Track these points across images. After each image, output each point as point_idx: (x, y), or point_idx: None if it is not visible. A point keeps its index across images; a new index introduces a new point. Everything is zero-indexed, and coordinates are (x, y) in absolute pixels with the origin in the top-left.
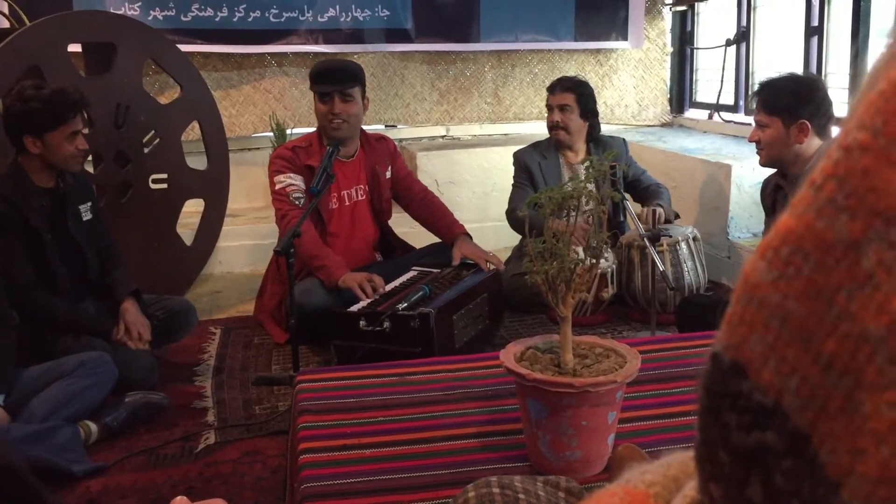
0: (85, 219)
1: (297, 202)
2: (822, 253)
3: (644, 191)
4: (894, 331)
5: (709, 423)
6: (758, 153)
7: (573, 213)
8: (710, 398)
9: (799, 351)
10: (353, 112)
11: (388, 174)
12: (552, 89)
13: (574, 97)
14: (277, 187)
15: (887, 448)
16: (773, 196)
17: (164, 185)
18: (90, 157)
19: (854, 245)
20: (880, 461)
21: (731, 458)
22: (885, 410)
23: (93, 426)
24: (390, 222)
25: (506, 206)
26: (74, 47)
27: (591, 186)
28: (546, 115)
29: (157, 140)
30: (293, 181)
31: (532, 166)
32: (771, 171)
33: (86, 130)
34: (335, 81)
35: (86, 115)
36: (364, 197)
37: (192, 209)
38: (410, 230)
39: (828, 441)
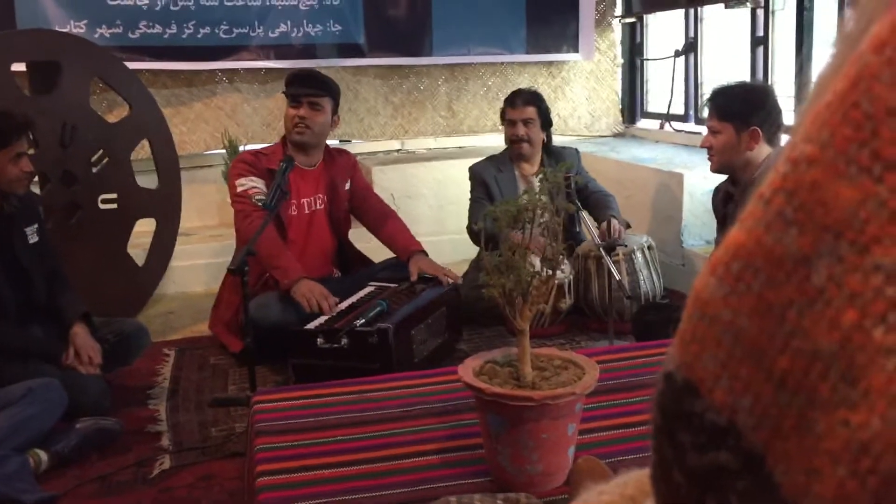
0: (31, 241)
1: (259, 203)
2: (772, 268)
3: (591, 197)
4: (846, 347)
5: (663, 443)
6: (709, 159)
7: (528, 226)
8: (663, 418)
9: (751, 369)
10: (318, 121)
11: (347, 186)
12: (512, 103)
13: (535, 110)
14: (239, 190)
15: (842, 468)
16: (724, 203)
17: (114, 206)
18: (36, 178)
19: (804, 260)
20: (836, 482)
21: (687, 479)
22: (838, 429)
23: (43, 454)
24: (350, 236)
25: (463, 219)
26: (18, 66)
27: (545, 198)
28: (503, 127)
29: (106, 159)
30: (255, 184)
31: (488, 180)
32: (722, 177)
33: (31, 151)
34: (306, 86)
35: (31, 136)
36: (322, 206)
37: (144, 229)
38: (368, 245)
39: (783, 461)
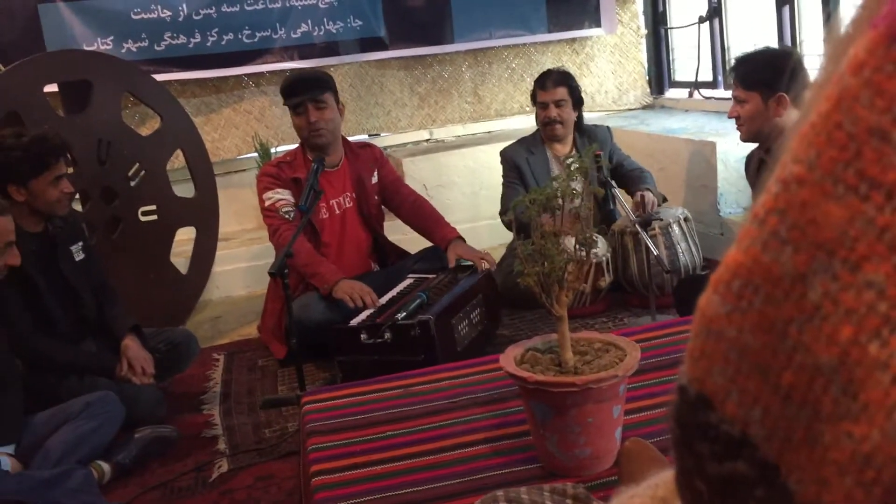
0: (77, 259)
1: (287, 216)
2: (770, 286)
3: (627, 176)
4: (845, 361)
5: (683, 453)
6: (738, 129)
7: (558, 213)
8: (681, 430)
9: (759, 383)
10: (329, 118)
11: (374, 180)
12: (543, 85)
13: (567, 90)
14: (267, 204)
15: (850, 478)
16: (758, 171)
17: (154, 217)
18: (77, 196)
19: (800, 278)
20: (844, 491)
21: (708, 487)
22: (844, 441)
23: (105, 466)
24: (384, 230)
25: (497, 204)
26: (51, 88)
27: (574, 184)
28: (533, 108)
29: (143, 172)
30: (282, 196)
31: (520, 163)
32: (754, 144)
33: (70, 170)
34: (306, 91)
35: (69, 157)
36: (352, 204)
37: (185, 237)
38: (404, 237)
39: (795, 471)
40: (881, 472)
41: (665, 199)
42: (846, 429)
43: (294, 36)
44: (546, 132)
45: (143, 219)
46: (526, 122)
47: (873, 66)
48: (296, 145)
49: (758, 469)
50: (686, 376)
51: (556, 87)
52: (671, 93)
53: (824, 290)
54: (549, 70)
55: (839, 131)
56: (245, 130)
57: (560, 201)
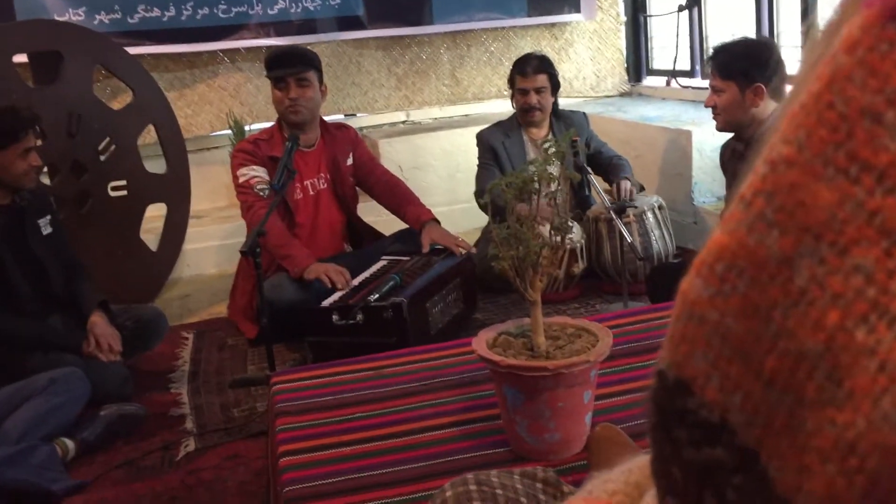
0: (45, 233)
1: (261, 193)
2: (755, 269)
3: (605, 164)
4: (831, 347)
5: (660, 439)
6: (714, 118)
7: (535, 197)
8: (659, 415)
9: (740, 368)
10: (309, 96)
11: (350, 161)
12: (523, 71)
13: (547, 77)
14: (241, 180)
15: (832, 466)
16: (732, 160)
17: (124, 192)
18: (46, 169)
19: (786, 261)
20: (826, 479)
21: (684, 474)
22: (827, 428)
23: (70, 443)
24: (359, 211)
25: (472, 187)
26: (20, 58)
27: (551, 169)
28: (511, 92)
29: (113, 147)
30: (256, 173)
31: (496, 146)
32: (729, 134)
33: (39, 143)
34: (290, 66)
35: (38, 129)
36: (326, 185)
37: (155, 214)
38: (379, 218)
39: (775, 458)
40: (865, 461)
41: (642, 188)
42: (830, 416)
43: (271, 12)
44: (524, 118)
45: (112, 194)
46: (503, 107)
47: (867, 45)
48: (270, 123)
49: (737, 455)
50: (665, 361)
51: (536, 75)
52: (649, 80)
53: (811, 274)
54: (528, 55)
55: (830, 111)
56: (219, 107)
57: (536, 186)
